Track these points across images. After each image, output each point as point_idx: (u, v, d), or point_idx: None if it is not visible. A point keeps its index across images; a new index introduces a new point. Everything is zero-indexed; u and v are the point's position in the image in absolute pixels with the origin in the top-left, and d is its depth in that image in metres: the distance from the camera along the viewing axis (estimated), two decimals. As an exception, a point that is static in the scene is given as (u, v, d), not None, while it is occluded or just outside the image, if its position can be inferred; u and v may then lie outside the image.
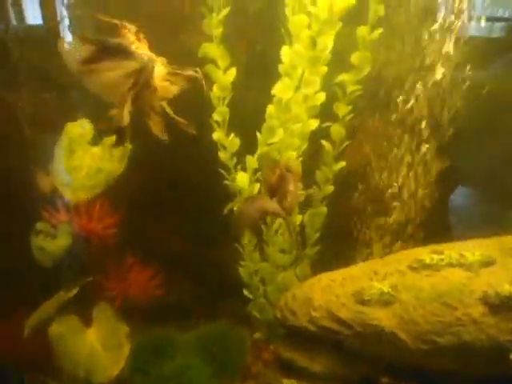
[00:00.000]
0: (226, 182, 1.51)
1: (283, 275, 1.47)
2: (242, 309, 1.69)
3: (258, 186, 1.42)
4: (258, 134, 1.33)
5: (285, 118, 1.27)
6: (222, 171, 1.49)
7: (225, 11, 1.36)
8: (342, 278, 1.34)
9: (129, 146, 1.52)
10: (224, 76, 1.43)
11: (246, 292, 1.47)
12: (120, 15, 1.58)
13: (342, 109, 1.46)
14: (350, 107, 1.47)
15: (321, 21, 1.12)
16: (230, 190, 1.53)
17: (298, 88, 1.19)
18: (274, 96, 1.26)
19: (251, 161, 1.32)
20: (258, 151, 1.32)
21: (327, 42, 1.12)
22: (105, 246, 1.63)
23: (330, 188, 1.58)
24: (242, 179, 1.39)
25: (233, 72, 1.42)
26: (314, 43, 1.11)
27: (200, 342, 1.83)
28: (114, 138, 1.54)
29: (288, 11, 1.24)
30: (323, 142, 1.51)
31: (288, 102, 1.22)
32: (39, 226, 1.51)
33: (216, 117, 1.44)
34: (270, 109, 1.26)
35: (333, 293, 1.29)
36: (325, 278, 1.37)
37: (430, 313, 1.17)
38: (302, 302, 1.30)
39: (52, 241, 1.49)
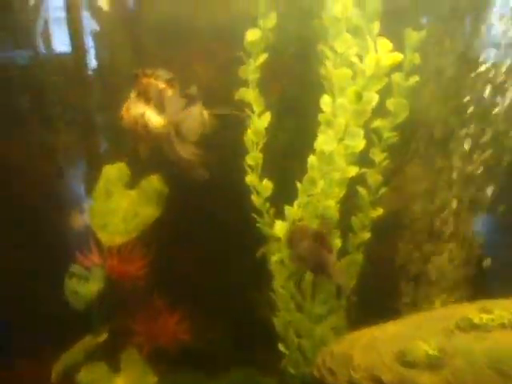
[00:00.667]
0: (258, 225, 1.49)
1: (318, 328, 1.41)
2: (272, 358, 1.63)
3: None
4: (298, 185, 1.31)
5: (327, 169, 1.25)
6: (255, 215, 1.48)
7: (262, 57, 1.38)
8: (383, 335, 1.27)
9: (165, 189, 1.53)
10: (258, 120, 1.44)
11: (280, 346, 1.41)
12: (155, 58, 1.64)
13: (378, 155, 1.44)
14: (385, 153, 1.45)
15: (367, 76, 1.12)
16: (262, 233, 1.51)
17: (340, 140, 1.18)
18: (315, 148, 1.25)
19: (291, 211, 1.30)
20: (299, 201, 1.30)
21: (373, 96, 1.12)
22: (135, 289, 1.61)
23: (367, 235, 1.54)
24: (280, 229, 1.36)
25: (267, 117, 1.43)
26: (359, 97, 1.10)
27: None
28: (150, 180, 1.57)
29: (328, 63, 1.24)
30: (358, 187, 1.49)
31: (331, 154, 1.21)
32: (73, 268, 1.51)
33: (249, 161, 1.44)
34: (312, 160, 1.25)
35: (374, 351, 1.21)
36: (365, 333, 1.30)
37: (482, 381, 1.08)
38: (340, 360, 1.23)
39: (85, 284, 1.48)
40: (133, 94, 1.29)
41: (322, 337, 1.41)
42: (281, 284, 1.45)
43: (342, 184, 1.35)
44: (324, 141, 1.17)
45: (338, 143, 1.17)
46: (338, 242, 1.48)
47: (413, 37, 1.30)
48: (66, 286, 1.48)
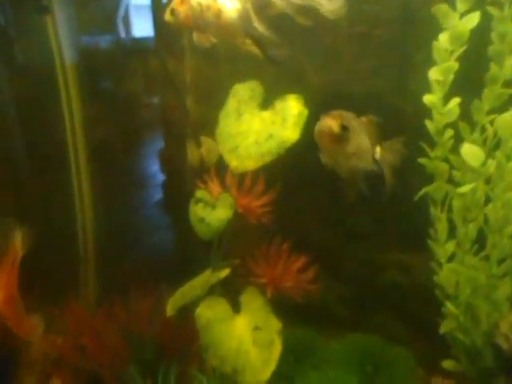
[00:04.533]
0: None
1: (498, 290, 1.10)
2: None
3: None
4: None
5: None
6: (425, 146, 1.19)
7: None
8: None
9: (305, 111, 1.30)
10: None
11: (449, 305, 1.12)
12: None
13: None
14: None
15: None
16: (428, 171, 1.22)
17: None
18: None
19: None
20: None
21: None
22: (259, 227, 1.43)
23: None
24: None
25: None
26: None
27: (352, 356, 1.55)
28: (286, 100, 1.35)
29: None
30: None
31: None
32: (198, 193, 1.37)
33: (436, 75, 1.14)
34: None
35: None
36: None
37: None
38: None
39: (212, 211, 1.32)
40: None
41: (498, 301, 1.11)
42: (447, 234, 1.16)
43: None
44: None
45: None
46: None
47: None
48: (191, 213, 1.34)
